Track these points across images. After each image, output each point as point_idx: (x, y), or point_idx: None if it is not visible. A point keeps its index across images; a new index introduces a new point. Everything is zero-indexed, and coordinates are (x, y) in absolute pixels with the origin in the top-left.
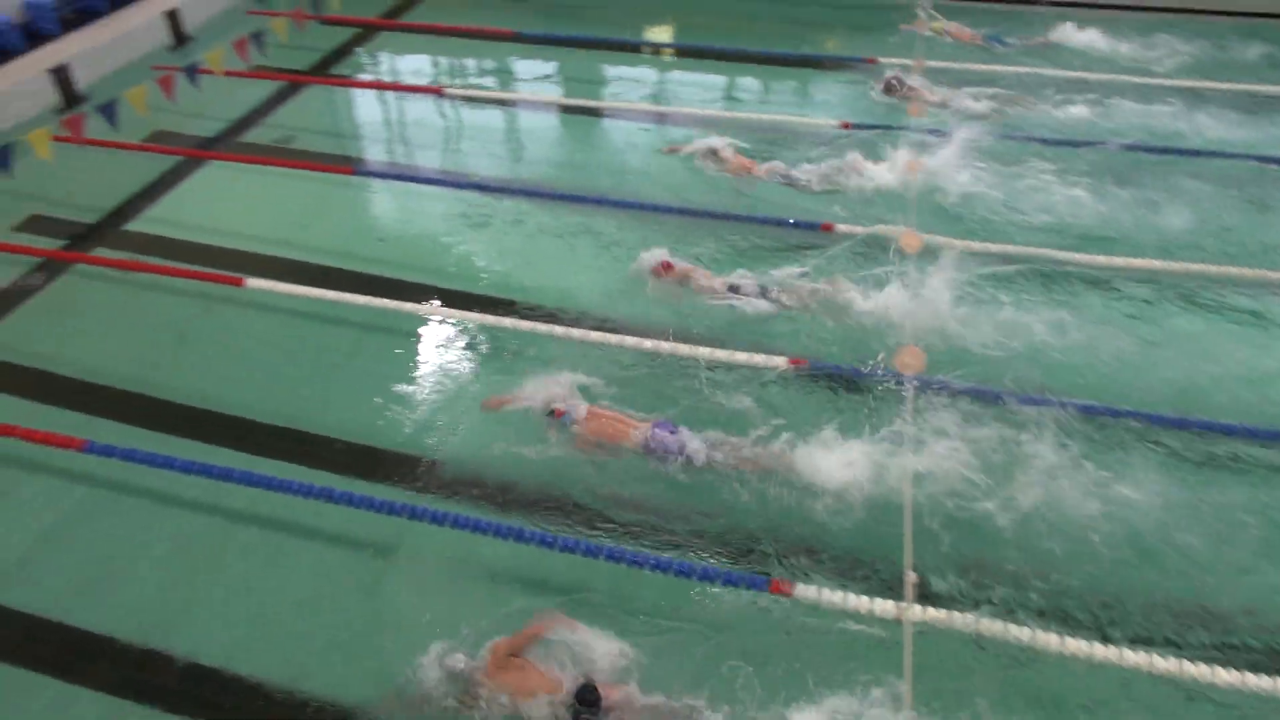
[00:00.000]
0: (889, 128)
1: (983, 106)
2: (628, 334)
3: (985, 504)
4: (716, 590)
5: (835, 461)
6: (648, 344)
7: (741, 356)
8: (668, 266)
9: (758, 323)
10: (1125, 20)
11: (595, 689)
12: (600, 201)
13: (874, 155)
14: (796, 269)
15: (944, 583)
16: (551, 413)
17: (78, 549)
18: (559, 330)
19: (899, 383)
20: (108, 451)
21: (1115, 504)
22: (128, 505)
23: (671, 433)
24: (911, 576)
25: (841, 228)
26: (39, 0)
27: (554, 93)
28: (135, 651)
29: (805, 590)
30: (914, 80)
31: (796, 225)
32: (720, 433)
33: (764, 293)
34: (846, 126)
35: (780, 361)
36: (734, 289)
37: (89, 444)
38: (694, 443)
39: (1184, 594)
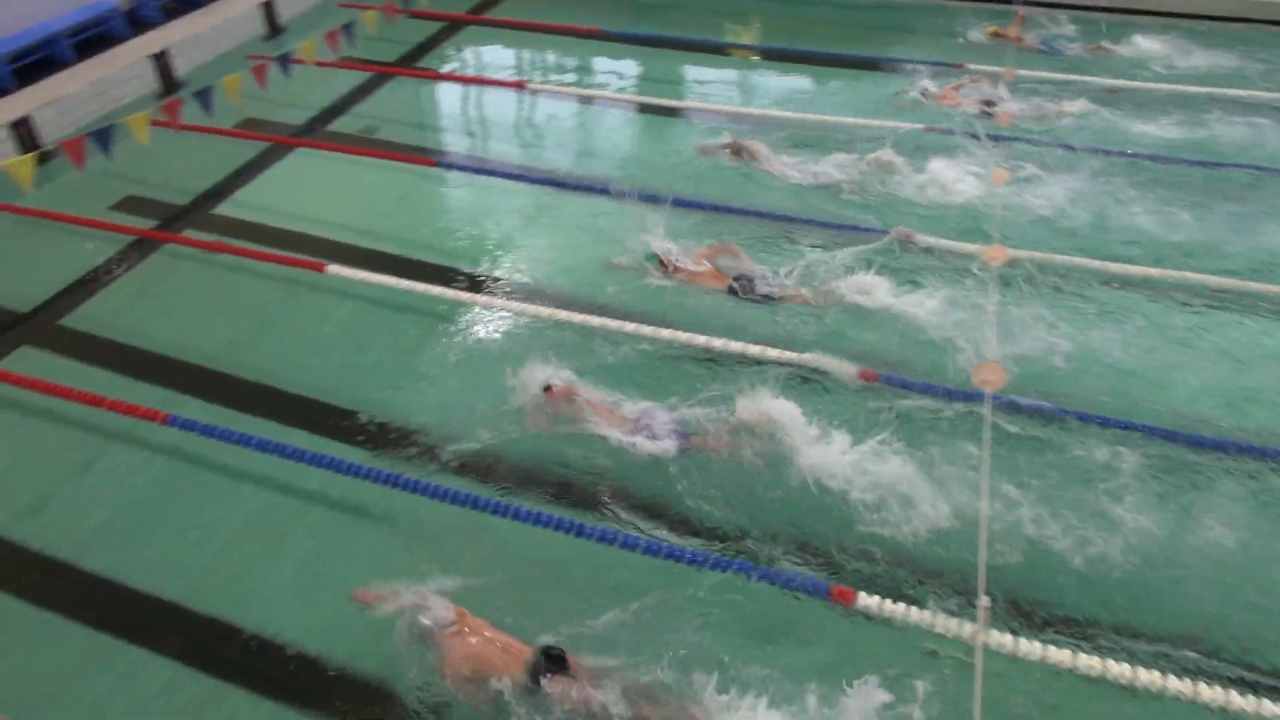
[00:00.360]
0: (965, 135)
1: (1024, 109)
2: (698, 333)
3: (1067, 530)
4: (772, 592)
5: (903, 474)
6: (717, 343)
7: (809, 358)
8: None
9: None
10: (1194, 29)
11: (562, 652)
12: (678, 202)
13: (931, 161)
14: (868, 275)
15: (1018, 611)
16: (547, 388)
17: (156, 519)
18: (629, 328)
19: (976, 399)
20: (189, 426)
21: (1206, 540)
22: (205, 479)
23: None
24: (985, 601)
25: (920, 236)
26: None
27: (636, 91)
28: (204, 621)
29: (867, 600)
30: (943, 87)
31: (871, 232)
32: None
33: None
34: (930, 130)
35: (849, 370)
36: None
37: (171, 418)
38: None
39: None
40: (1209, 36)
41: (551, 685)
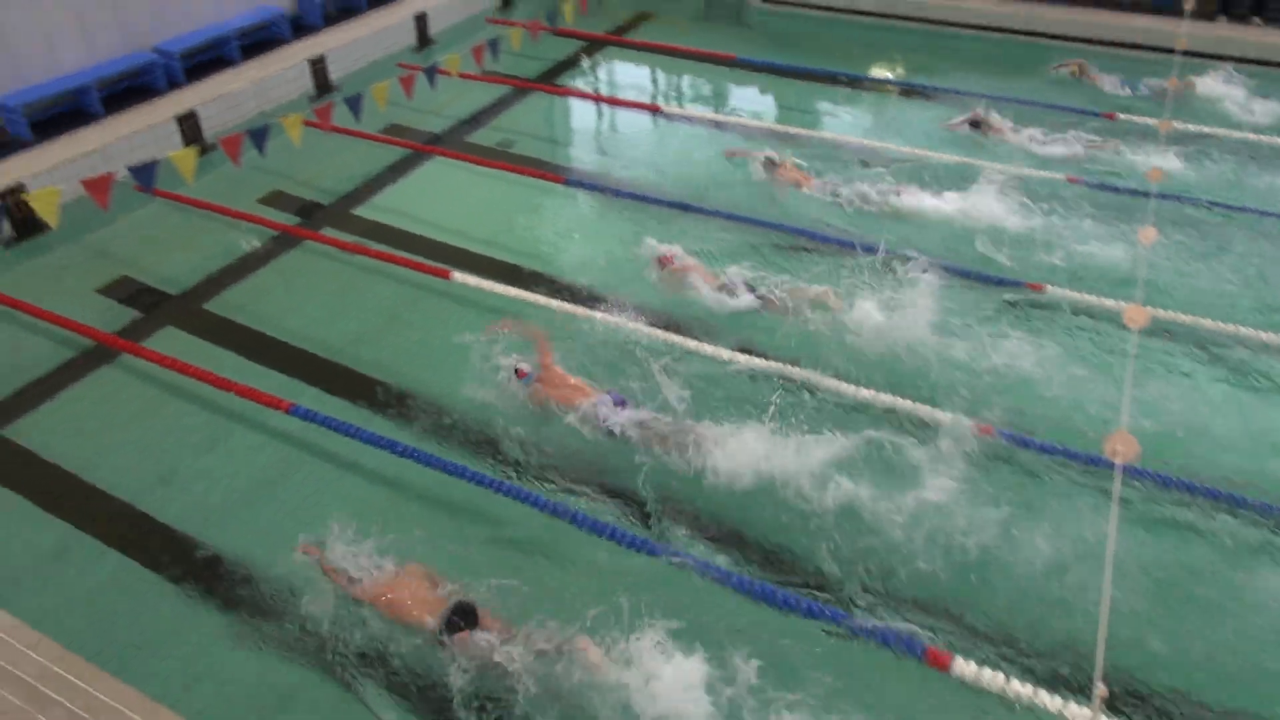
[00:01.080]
0: (1126, 191)
1: (1074, 150)
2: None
3: (1196, 618)
4: (864, 647)
5: (1018, 537)
6: (847, 389)
7: (924, 410)
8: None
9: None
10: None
11: (473, 606)
12: (800, 232)
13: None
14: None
15: (1135, 699)
16: (515, 372)
17: (273, 502)
18: (742, 359)
19: (1104, 467)
20: (310, 416)
21: None
22: (321, 468)
23: (618, 404)
24: (1101, 689)
25: (1055, 290)
26: None
27: (767, 119)
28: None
29: (964, 666)
30: (996, 120)
31: (1002, 283)
32: (650, 413)
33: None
34: (1072, 180)
35: (966, 424)
36: None
37: (294, 407)
38: (627, 417)
39: None
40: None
41: (457, 639)
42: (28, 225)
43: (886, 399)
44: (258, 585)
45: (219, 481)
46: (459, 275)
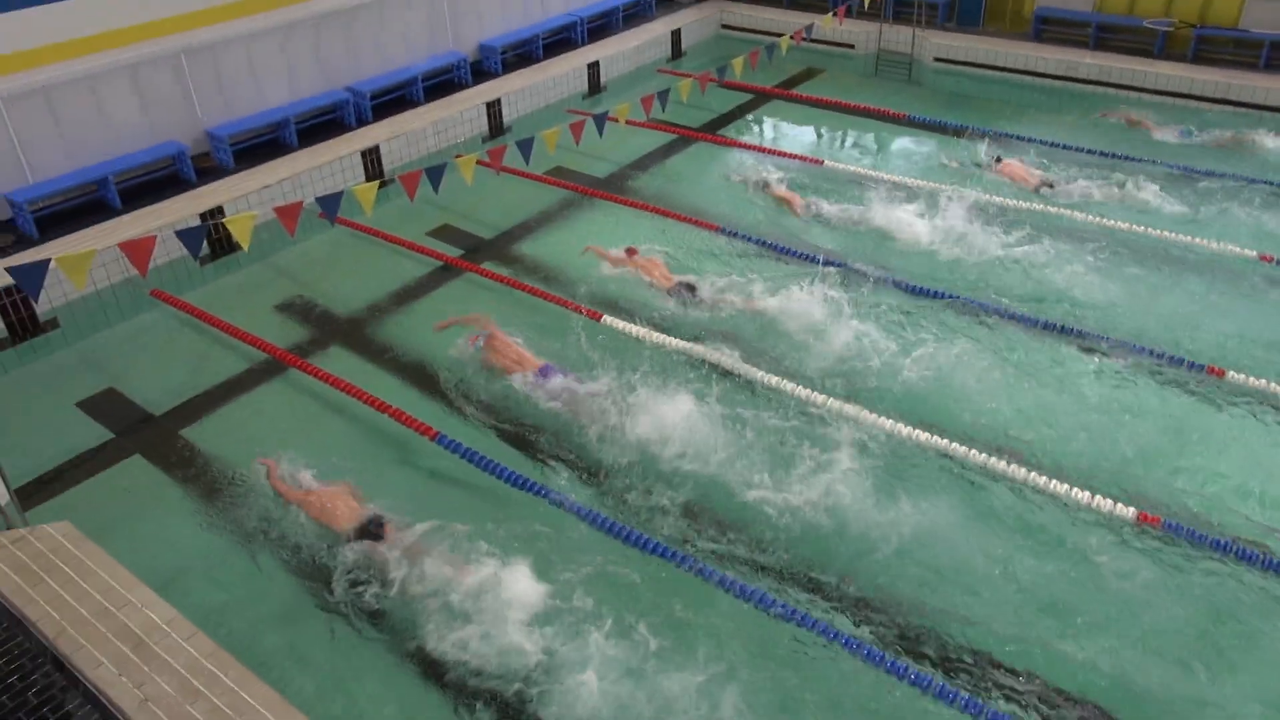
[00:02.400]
0: None
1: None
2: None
3: None
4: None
5: (1188, 642)
6: (1040, 482)
7: (1083, 497)
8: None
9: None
10: None
11: (381, 522)
12: (984, 307)
13: None
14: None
15: None
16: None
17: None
18: (879, 420)
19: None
20: (454, 447)
21: None
22: (459, 499)
23: (551, 375)
24: None
25: (1237, 376)
26: (490, 43)
27: (933, 178)
28: None
29: None
30: (1013, 159)
31: (1176, 362)
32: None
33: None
34: (1266, 259)
35: (1128, 513)
36: None
37: (440, 436)
38: (560, 383)
39: None
40: None
41: (364, 545)
42: (223, 245)
43: (1059, 487)
44: (392, 616)
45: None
46: (609, 319)
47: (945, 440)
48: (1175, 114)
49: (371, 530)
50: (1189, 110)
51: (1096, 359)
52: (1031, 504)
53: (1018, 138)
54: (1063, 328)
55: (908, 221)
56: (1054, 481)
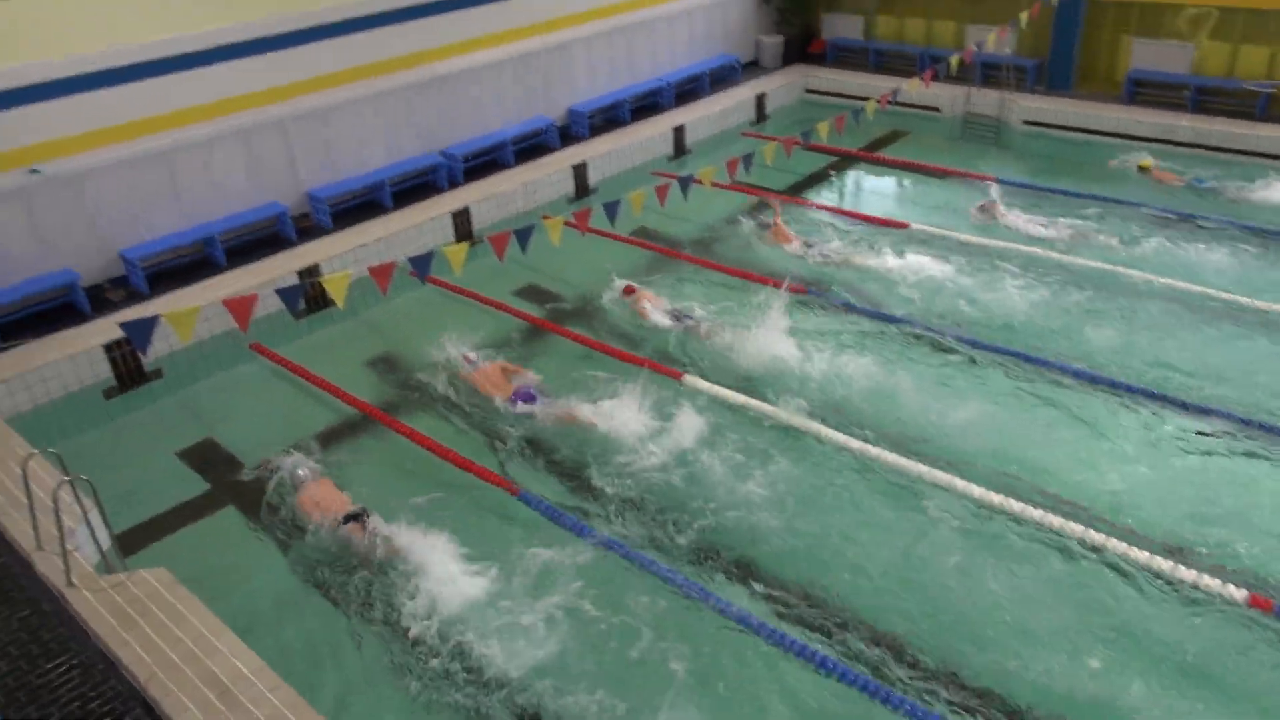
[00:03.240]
0: None
1: (1059, 234)
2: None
3: None
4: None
5: None
6: (1159, 565)
7: (1189, 575)
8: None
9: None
10: None
11: (361, 512)
12: (1073, 372)
13: None
14: None
15: None
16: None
17: (490, 571)
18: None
19: None
20: (534, 503)
21: None
22: (535, 558)
23: (527, 398)
24: None
25: None
26: (579, 108)
27: (1021, 241)
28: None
29: None
30: (1000, 207)
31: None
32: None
33: None
34: None
35: (1239, 595)
36: None
37: (522, 493)
38: (538, 407)
39: None
40: None
41: (349, 530)
42: (318, 300)
43: (1161, 564)
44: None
45: (432, 554)
46: (689, 378)
47: (1041, 511)
48: None
49: (353, 519)
50: None
51: (1196, 426)
52: (1131, 579)
53: (1117, 201)
54: (1157, 394)
55: (988, 283)
56: (1156, 557)
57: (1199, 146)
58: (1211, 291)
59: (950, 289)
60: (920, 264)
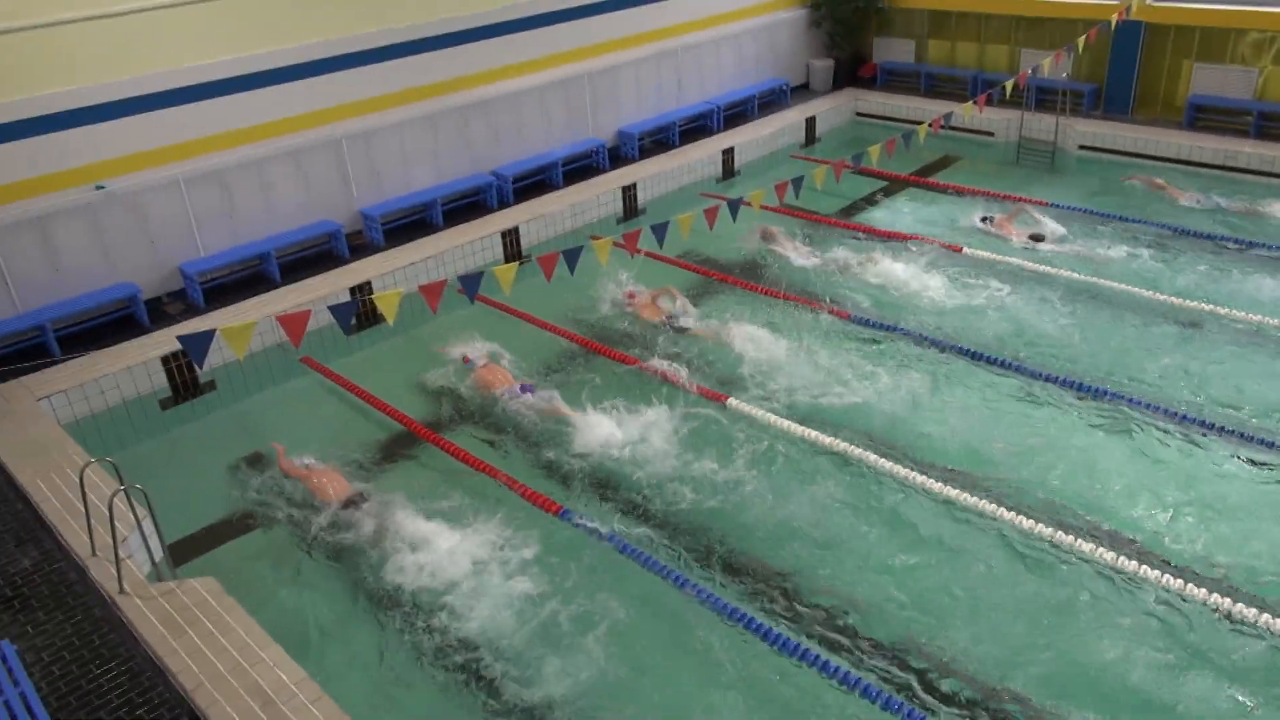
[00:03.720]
0: None
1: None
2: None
3: None
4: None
5: None
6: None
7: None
8: None
9: None
10: None
11: (360, 497)
12: (1114, 395)
13: None
14: None
15: None
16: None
17: (528, 593)
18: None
19: None
20: (579, 524)
21: None
22: (578, 578)
23: (525, 391)
24: None
25: None
26: (629, 130)
27: (1079, 270)
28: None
29: None
30: (1005, 218)
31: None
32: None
33: None
34: None
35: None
36: None
37: (563, 511)
38: (525, 401)
39: None
40: None
41: (351, 513)
42: (369, 317)
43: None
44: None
45: (489, 566)
46: (733, 402)
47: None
48: None
49: (353, 504)
50: None
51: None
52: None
53: (1179, 230)
54: (1215, 425)
55: (1036, 310)
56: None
57: (1262, 173)
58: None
59: (1001, 313)
60: (972, 287)
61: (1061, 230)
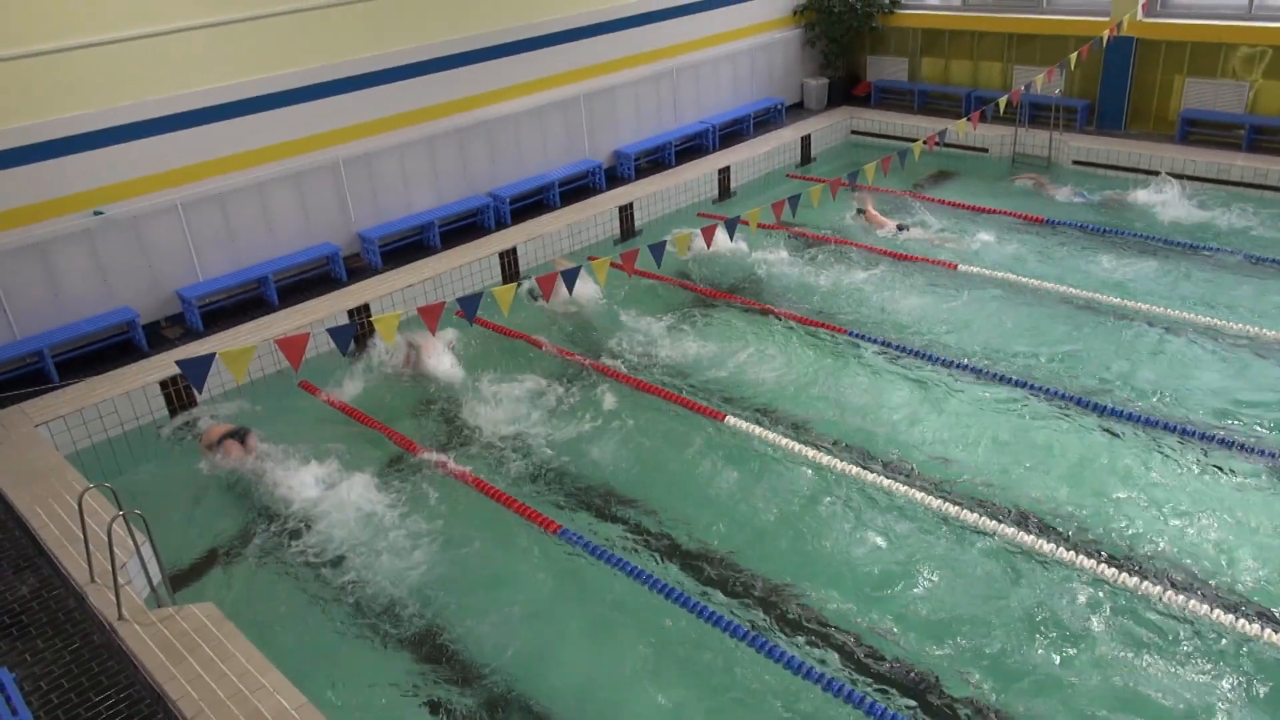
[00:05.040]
0: None
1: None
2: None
3: None
4: None
5: None
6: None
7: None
8: None
9: None
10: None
11: (247, 434)
12: (1102, 409)
13: None
14: None
15: None
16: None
17: (526, 613)
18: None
19: None
20: (576, 540)
21: None
22: (570, 594)
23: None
24: None
25: None
26: (625, 150)
27: (1077, 284)
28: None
29: None
30: (871, 208)
31: None
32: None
33: None
34: None
35: None
36: None
37: (562, 530)
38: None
39: None
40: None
41: (226, 443)
42: (368, 340)
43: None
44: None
45: (477, 588)
46: (731, 420)
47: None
48: None
49: (233, 438)
50: None
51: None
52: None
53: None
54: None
55: (1035, 323)
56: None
57: (1254, 186)
58: None
59: (1002, 329)
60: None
61: (935, 222)
